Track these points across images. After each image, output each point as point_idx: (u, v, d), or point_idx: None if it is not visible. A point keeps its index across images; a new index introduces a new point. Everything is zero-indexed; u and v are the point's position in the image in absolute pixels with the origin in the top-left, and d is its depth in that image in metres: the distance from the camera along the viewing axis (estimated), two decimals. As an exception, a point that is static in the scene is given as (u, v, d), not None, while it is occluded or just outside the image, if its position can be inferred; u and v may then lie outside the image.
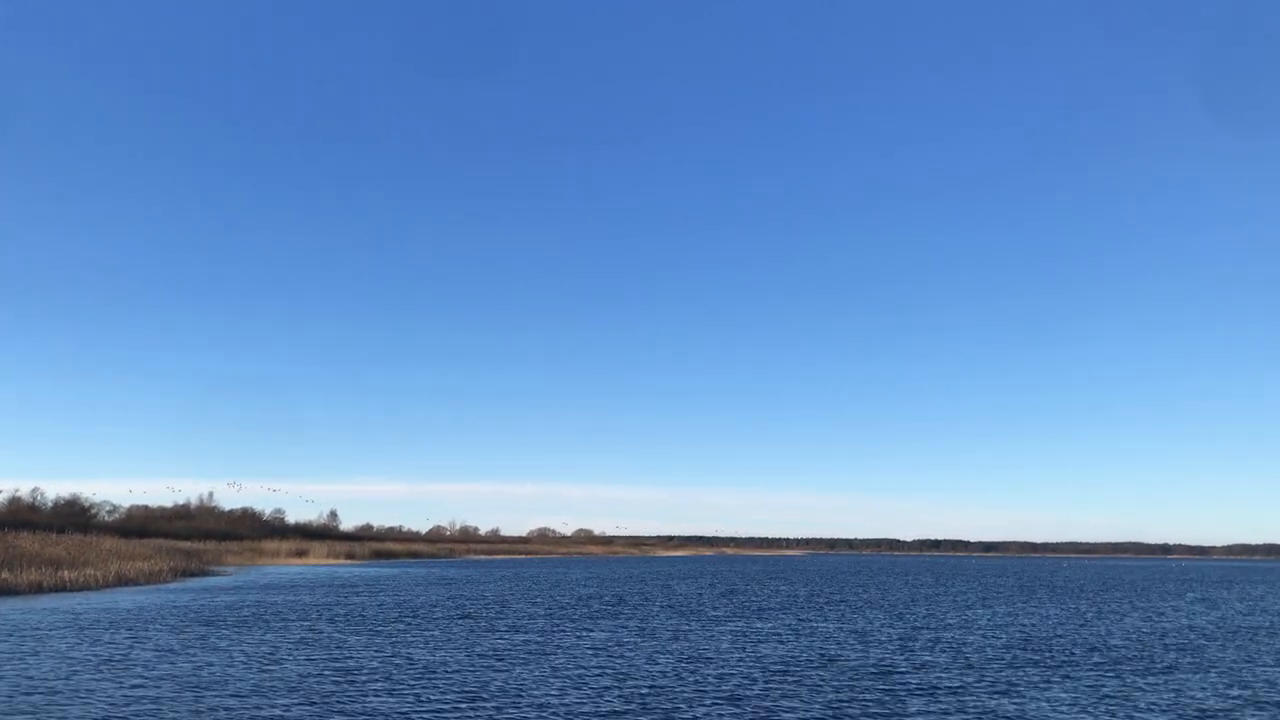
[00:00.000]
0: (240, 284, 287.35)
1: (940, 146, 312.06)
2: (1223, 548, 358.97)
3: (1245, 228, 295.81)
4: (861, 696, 18.47)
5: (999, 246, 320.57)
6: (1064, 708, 17.70)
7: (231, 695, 17.71)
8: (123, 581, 51.79)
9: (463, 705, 17.12)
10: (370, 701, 17.36)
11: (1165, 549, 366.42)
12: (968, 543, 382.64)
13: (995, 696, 18.73)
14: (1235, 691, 20.03)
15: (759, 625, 33.27)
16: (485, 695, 18.08)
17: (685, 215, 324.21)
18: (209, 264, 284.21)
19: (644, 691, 18.70)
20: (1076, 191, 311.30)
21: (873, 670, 22.06)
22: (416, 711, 16.54)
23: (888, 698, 18.38)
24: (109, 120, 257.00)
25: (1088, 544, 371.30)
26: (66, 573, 47.93)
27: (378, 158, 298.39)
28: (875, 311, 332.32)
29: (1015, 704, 17.95)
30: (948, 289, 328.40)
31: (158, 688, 18.42)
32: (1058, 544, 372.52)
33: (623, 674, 20.96)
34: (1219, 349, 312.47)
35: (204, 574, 65.80)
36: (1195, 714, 17.47)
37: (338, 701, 17.27)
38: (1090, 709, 17.65)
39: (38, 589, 44.44)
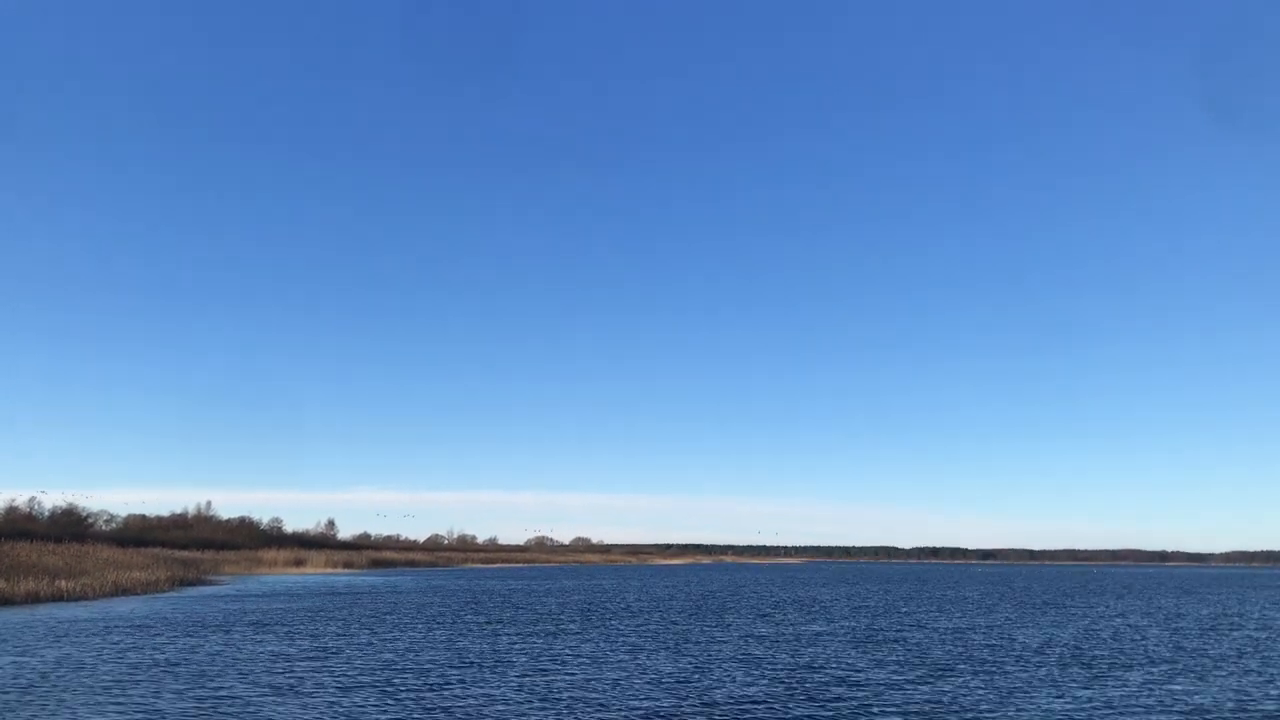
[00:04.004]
0: (238, 293, 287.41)
1: (939, 151, 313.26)
2: (1221, 554, 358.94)
3: (1244, 229, 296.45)
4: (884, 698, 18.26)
5: (996, 252, 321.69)
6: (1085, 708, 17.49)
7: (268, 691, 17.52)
8: (120, 591, 51.32)
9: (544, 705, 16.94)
10: (427, 696, 17.57)
11: (1163, 556, 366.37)
12: (966, 550, 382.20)
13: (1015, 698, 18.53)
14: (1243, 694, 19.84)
15: (767, 632, 33.08)
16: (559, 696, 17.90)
17: (682, 224, 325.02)
18: (206, 273, 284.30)
19: (656, 701, 18.45)
20: (1075, 195, 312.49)
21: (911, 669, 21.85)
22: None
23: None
24: (107, 128, 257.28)
25: (1086, 551, 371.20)
26: (63, 582, 47.49)
27: (377, 165, 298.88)
28: (875, 319, 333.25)
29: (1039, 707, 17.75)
30: (946, 296, 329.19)
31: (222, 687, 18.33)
32: (1056, 551, 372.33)
33: (640, 683, 20.73)
34: (1218, 354, 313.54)
35: (201, 583, 65.28)
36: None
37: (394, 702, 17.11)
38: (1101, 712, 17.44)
39: (35, 599, 43.99)
